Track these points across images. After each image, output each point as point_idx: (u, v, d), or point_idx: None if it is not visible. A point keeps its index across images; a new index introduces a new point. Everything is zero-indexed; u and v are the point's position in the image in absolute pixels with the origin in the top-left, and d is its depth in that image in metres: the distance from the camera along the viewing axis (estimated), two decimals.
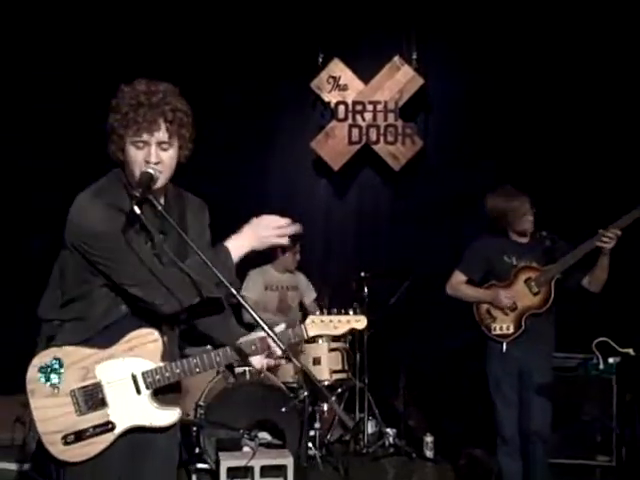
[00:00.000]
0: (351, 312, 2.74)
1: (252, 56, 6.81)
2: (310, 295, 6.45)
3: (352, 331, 2.76)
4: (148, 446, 2.60)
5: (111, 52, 6.41)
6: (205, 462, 5.09)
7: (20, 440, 5.34)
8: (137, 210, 2.37)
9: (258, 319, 2.36)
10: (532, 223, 4.58)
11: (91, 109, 2.75)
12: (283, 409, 4.87)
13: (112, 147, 2.50)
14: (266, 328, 2.37)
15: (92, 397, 2.51)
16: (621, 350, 4.08)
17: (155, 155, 2.44)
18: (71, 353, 2.51)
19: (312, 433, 5.51)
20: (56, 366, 2.51)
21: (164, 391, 2.58)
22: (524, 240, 4.63)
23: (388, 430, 6.01)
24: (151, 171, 2.44)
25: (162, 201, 2.59)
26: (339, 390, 5.73)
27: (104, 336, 2.52)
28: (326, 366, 5.57)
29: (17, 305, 6.15)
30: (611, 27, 6.28)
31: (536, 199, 4.63)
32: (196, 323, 2.74)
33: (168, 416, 2.57)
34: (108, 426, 2.51)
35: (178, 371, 2.52)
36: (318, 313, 2.72)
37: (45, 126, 6.33)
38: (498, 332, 4.55)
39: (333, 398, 5.65)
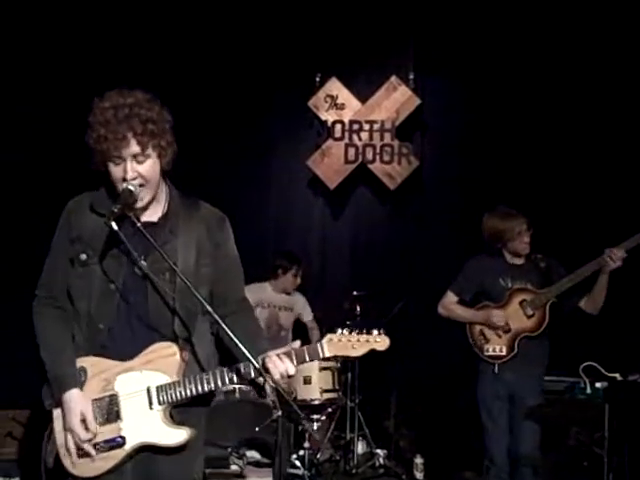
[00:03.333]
0: (375, 332, 2.60)
1: (250, 74, 6.83)
2: (307, 314, 6.45)
3: (371, 352, 2.57)
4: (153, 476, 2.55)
5: (105, 68, 6.39)
6: None
7: (12, 454, 5.31)
8: (114, 226, 2.39)
9: (236, 341, 2.35)
10: (528, 245, 4.57)
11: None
12: (257, 429, 4.81)
13: (95, 162, 2.52)
14: (243, 349, 2.36)
15: (108, 409, 2.51)
16: (608, 375, 4.06)
17: (130, 170, 2.44)
18: (96, 363, 2.53)
19: (301, 452, 5.48)
20: (81, 376, 2.53)
21: (189, 403, 2.53)
22: (519, 262, 4.62)
23: (378, 451, 5.96)
24: (131, 188, 2.45)
25: (163, 209, 2.60)
26: (329, 409, 5.71)
27: (119, 344, 2.52)
28: (317, 385, 5.54)
29: (10, 320, 6.17)
30: (610, 43, 6.27)
31: (533, 220, 4.63)
32: (222, 338, 2.63)
33: (176, 436, 2.49)
34: (119, 440, 2.49)
35: (191, 387, 2.48)
36: (339, 331, 2.56)
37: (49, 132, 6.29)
38: (491, 353, 4.53)
39: (322, 417, 5.65)
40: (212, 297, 2.66)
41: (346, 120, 6.98)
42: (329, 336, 2.55)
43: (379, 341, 2.60)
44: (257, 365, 2.37)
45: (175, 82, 6.66)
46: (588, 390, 4.15)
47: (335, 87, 6.99)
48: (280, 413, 2.54)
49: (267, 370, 2.47)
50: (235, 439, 5.06)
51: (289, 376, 2.50)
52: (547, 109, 6.50)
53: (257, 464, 5.17)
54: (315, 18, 6.84)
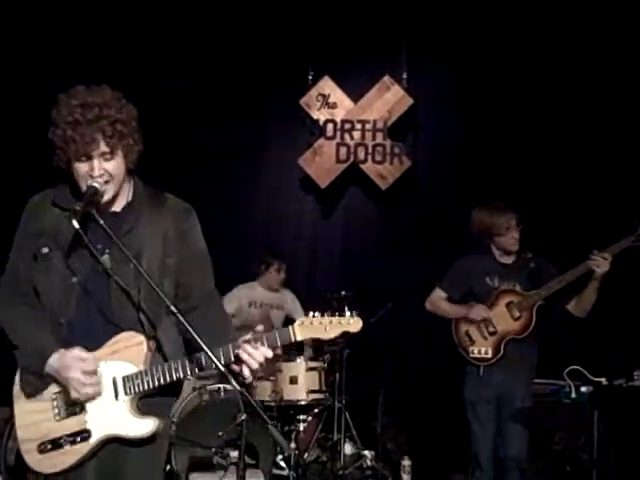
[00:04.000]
0: (348, 313, 2.47)
1: (242, 72, 6.80)
2: (298, 312, 6.40)
3: (344, 336, 2.47)
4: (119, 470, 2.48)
5: (99, 65, 6.40)
6: None
7: None
8: (76, 224, 2.35)
9: (198, 339, 2.32)
10: (517, 241, 4.51)
11: None
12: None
13: (57, 160, 2.48)
14: (205, 348, 2.33)
15: (72, 402, 2.44)
16: (593, 379, 4.01)
17: (98, 168, 2.43)
18: (61, 357, 2.43)
19: (287, 453, 5.43)
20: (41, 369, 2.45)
21: (156, 393, 2.48)
22: (509, 260, 4.57)
23: (366, 452, 5.91)
24: (96, 185, 2.43)
25: (127, 198, 2.58)
26: (316, 410, 5.66)
27: (80, 338, 2.45)
28: (303, 385, 5.49)
29: None
30: (603, 42, 6.26)
31: (525, 219, 4.58)
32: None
33: (143, 426, 2.43)
34: (84, 434, 2.42)
35: (159, 375, 2.43)
36: (311, 314, 2.44)
37: None
38: (476, 355, 4.48)
39: (309, 418, 5.61)
40: (178, 288, 2.61)
41: (338, 119, 6.94)
42: (301, 319, 2.46)
43: (352, 323, 2.46)
44: (221, 367, 2.34)
45: (166, 79, 6.66)
46: (573, 394, 4.10)
47: (327, 86, 6.95)
48: (245, 417, 2.45)
49: (242, 361, 2.43)
50: (219, 439, 5.00)
51: (267, 360, 2.44)
52: (541, 109, 6.48)
53: None
54: (308, 16, 6.81)
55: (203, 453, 5.02)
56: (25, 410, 2.48)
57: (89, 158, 2.42)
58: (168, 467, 5.01)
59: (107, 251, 2.49)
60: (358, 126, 6.92)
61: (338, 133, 6.93)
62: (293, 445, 5.45)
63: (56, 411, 2.45)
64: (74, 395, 2.42)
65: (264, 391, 5.55)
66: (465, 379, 4.55)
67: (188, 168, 6.71)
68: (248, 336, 2.46)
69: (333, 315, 2.47)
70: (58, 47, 6.49)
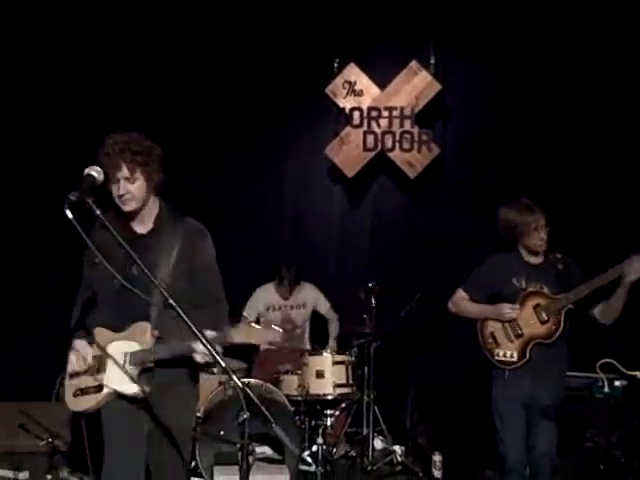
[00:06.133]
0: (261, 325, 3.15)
1: (267, 61, 6.72)
2: (322, 306, 6.32)
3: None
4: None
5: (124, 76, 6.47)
6: (200, 476, 4.95)
7: (23, 447, 5.28)
8: (69, 214, 2.69)
9: (194, 329, 2.67)
10: (545, 242, 4.29)
11: None
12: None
13: (107, 186, 3.24)
14: (202, 338, 2.68)
15: (100, 364, 3.36)
16: (627, 372, 3.82)
17: (123, 188, 3.25)
18: (99, 332, 3.40)
19: (314, 448, 5.34)
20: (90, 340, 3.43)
21: (171, 367, 3.28)
22: (536, 261, 4.37)
23: (396, 447, 5.81)
24: (94, 173, 2.98)
25: (150, 224, 3.38)
26: (343, 405, 5.56)
27: (115, 321, 3.35)
28: (330, 379, 5.38)
29: (20, 317, 6.17)
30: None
31: (555, 215, 4.40)
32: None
33: (130, 389, 3.28)
34: (99, 387, 3.34)
35: (155, 352, 3.25)
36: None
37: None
38: (501, 358, 4.30)
39: (336, 412, 5.51)
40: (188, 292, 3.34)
41: (364, 107, 6.80)
42: (237, 325, 3.19)
43: (256, 333, 3.10)
44: (221, 361, 2.68)
45: (192, 73, 6.62)
46: (606, 389, 3.92)
47: (353, 73, 6.81)
48: (247, 415, 2.41)
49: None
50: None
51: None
52: (575, 99, 6.28)
53: (268, 460, 5.04)
54: (333, 2, 6.67)
55: (228, 448, 4.94)
56: (72, 362, 3.41)
57: (117, 181, 3.23)
58: (193, 463, 4.98)
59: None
60: (385, 113, 6.77)
61: (365, 121, 6.79)
62: (320, 440, 5.35)
63: (92, 369, 3.37)
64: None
65: (290, 385, 5.46)
66: (492, 381, 4.40)
67: (215, 160, 6.67)
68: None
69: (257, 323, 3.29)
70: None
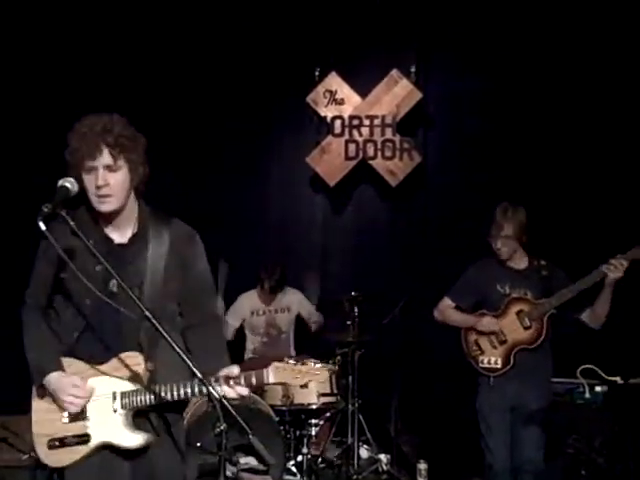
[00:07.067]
0: (315, 364, 2.73)
1: (248, 69, 6.71)
2: (307, 308, 6.31)
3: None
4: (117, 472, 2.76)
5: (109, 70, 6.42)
6: None
7: (3, 461, 5.23)
8: (42, 226, 2.44)
9: (186, 359, 2.44)
10: (501, 252, 4.35)
11: None
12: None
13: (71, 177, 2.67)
14: (194, 370, 2.44)
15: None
16: (608, 378, 3.84)
17: (102, 177, 2.62)
18: (72, 364, 2.76)
19: (300, 458, 5.33)
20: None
21: (166, 409, 2.77)
22: (520, 266, 4.42)
23: (381, 456, 5.79)
24: (68, 185, 2.57)
25: (129, 231, 2.77)
26: (327, 414, 5.54)
27: (91, 350, 2.74)
28: (314, 389, 5.35)
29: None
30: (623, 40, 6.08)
31: (537, 219, 4.43)
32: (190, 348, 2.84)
33: (133, 439, 2.71)
34: (84, 438, 2.71)
35: (151, 397, 2.69)
36: (287, 361, 2.71)
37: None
38: (485, 365, 4.35)
39: (320, 422, 5.49)
40: (180, 307, 2.90)
41: (346, 115, 6.80)
42: (275, 364, 2.71)
43: (317, 374, 2.73)
44: (199, 375, 2.46)
45: (172, 78, 6.61)
46: (587, 394, 3.94)
47: (335, 82, 6.81)
48: (224, 427, 2.42)
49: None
50: (229, 445, 4.90)
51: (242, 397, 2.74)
52: (555, 103, 6.30)
53: (253, 471, 5.01)
54: (314, 11, 6.68)
55: (213, 459, 4.92)
56: (41, 408, 2.78)
57: (94, 169, 2.63)
58: None
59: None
60: (366, 122, 6.77)
61: (346, 130, 6.79)
62: (305, 450, 5.34)
63: (65, 414, 2.74)
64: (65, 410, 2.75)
65: (275, 395, 5.43)
66: (478, 388, 4.42)
67: (196, 170, 6.64)
68: (226, 371, 2.71)
69: (305, 364, 2.72)
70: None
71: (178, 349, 2.45)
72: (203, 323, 2.90)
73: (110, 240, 2.76)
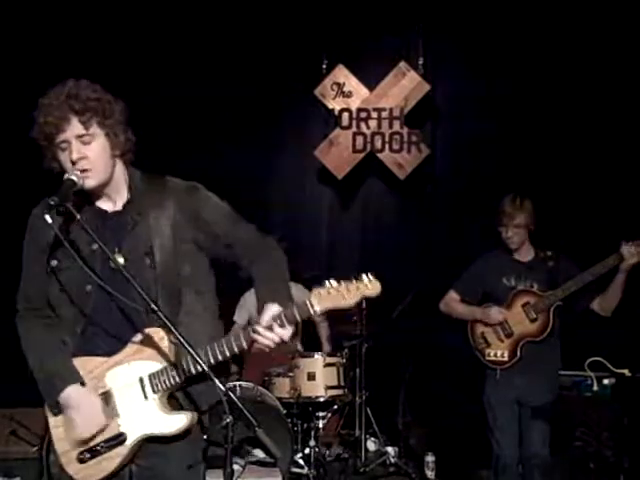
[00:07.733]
0: (364, 277, 2.39)
1: (255, 62, 6.70)
2: None
3: (363, 298, 2.39)
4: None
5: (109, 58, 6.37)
6: None
7: (15, 454, 5.25)
8: (49, 219, 2.27)
9: (180, 338, 2.24)
10: (511, 241, 4.33)
11: None
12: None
13: (46, 160, 2.43)
14: (186, 345, 2.23)
15: (103, 408, 2.43)
16: (616, 371, 3.82)
17: (76, 151, 2.34)
18: (84, 363, 2.46)
19: (307, 451, 5.32)
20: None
21: (196, 380, 2.43)
22: (526, 258, 4.39)
23: (389, 449, 5.79)
24: (74, 178, 2.34)
25: (124, 198, 2.50)
26: (335, 407, 5.54)
27: (101, 342, 2.45)
28: (321, 382, 5.35)
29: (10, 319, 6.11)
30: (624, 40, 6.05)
31: (545, 212, 4.40)
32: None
33: (176, 422, 2.40)
34: (120, 438, 2.41)
35: (183, 368, 2.39)
36: (327, 283, 2.34)
37: None
38: (492, 358, 4.32)
39: (328, 414, 5.49)
40: (229, 252, 2.61)
41: (354, 108, 6.80)
42: (316, 290, 2.35)
43: (370, 287, 2.38)
44: (205, 368, 2.22)
45: (180, 72, 6.58)
46: (595, 387, 3.91)
47: (342, 74, 6.81)
48: (230, 419, 2.33)
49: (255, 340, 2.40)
50: (236, 438, 4.90)
51: (284, 342, 2.42)
52: (563, 95, 6.27)
53: (260, 463, 5.02)
54: (321, 4, 6.67)
55: (221, 452, 4.92)
56: (58, 423, 2.48)
57: (67, 143, 2.35)
58: None
59: (116, 249, 2.44)
60: (374, 114, 6.78)
61: (354, 122, 6.80)
62: (313, 442, 5.34)
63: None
64: (76, 431, 2.44)
65: (282, 388, 5.44)
66: (485, 381, 4.41)
67: (204, 162, 6.62)
68: (268, 314, 2.41)
69: (349, 281, 2.37)
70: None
71: (182, 339, 2.23)
72: (258, 255, 2.62)
73: (103, 211, 2.49)
